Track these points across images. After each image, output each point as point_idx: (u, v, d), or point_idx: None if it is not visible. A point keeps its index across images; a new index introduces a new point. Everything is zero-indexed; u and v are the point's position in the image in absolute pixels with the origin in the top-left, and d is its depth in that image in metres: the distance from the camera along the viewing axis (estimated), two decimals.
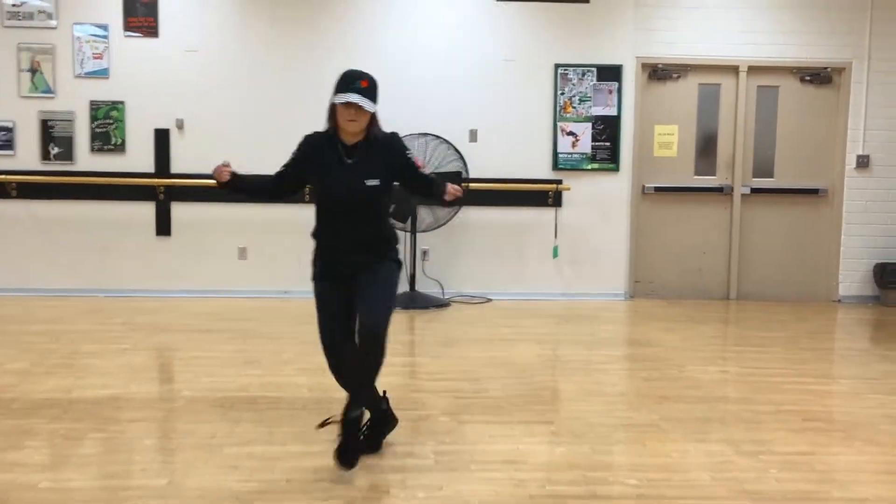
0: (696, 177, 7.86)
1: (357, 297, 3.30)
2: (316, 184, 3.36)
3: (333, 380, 4.67)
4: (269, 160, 7.36)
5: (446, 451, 3.55)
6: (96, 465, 3.35)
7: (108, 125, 7.36)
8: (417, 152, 7.09)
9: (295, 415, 4.04)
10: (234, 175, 3.43)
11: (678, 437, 3.79)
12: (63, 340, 5.59)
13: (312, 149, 3.37)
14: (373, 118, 3.28)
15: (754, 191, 7.83)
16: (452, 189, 3.41)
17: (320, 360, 5.11)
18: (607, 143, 7.62)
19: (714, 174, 7.86)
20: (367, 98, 3.19)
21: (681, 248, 7.90)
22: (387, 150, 3.34)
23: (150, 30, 7.33)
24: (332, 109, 3.29)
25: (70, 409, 4.06)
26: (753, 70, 7.73)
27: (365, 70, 3.31)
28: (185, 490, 3.10)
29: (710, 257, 7.92)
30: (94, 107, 7.32)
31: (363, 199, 3.27)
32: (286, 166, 3.45)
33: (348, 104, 3.18)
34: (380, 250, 3.38)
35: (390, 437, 3.65)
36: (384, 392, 3.60)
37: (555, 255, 7.64)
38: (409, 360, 5.45)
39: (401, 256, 3.52)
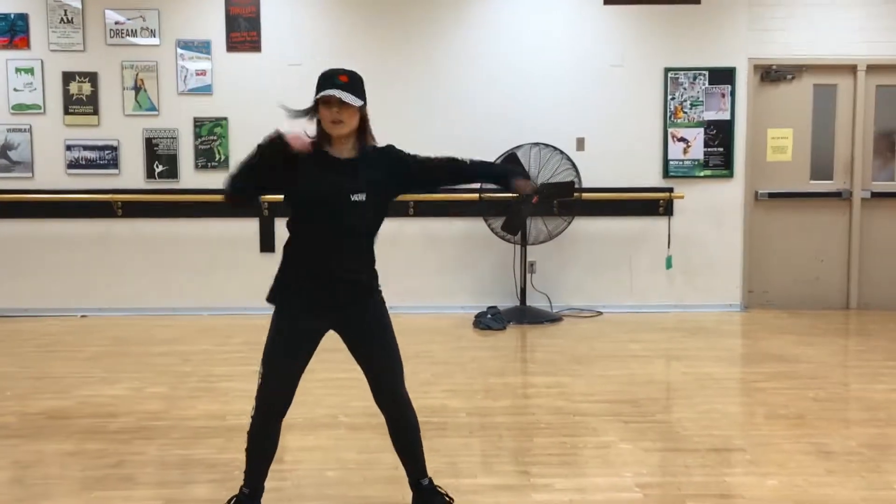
0: (811, 182, 7.55)
1: (363, 356, 2.92)
2: (294, 197, 2.86)
3: (487, 402, 4.53)
4: None
5: (650, 483, 3.34)
6: (289, 501, 3.20)
7: (211, 141, 7.27)
8: (530, 162, 6.90)
9: (469, 442, 3.86)
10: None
11: (893, 468, 3.53)
12: (191, 362, 5.48)
13: (300, 157, 2.81)
14: (364, 121, 2.84)
15: (875, 195, 7.50)
16: (522, 184, 2.99)
17: (460, 381, 5.00)
18: (720, 149, 7.35)
19: (831, 178, 7.55)
20: (350, 92, 2.76)
21: (796, 256, 7.59)
22: (381, 160, 2.88)
23: (253, 44, 7.24)
24: (316, 115, 2.83)
25: (233, 439, 3.91)
26: (873, 69, 7.40)
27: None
28: None
29: (827, 265, 7.59)
30: (198, 123, 7.24)
31: (348, 213, 2.81)
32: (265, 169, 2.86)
33: (328, 101, 2.74)
34: (366, 280, 2.91)
35: (582, 467, 3.45)
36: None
37: (668, 265, 7.38)
38: (552, 380, 5.21)
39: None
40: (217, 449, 3.78)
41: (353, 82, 2.81)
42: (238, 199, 2.89)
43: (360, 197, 2.80)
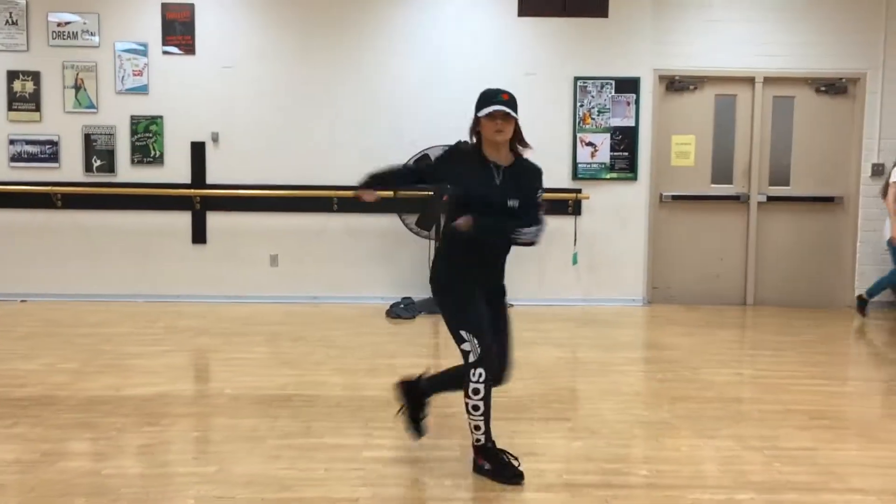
0: (713, 185, 8.08)
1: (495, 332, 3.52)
2: (463, 192, 3.45)
3: (364, 379, 5.00)
4: (300, 172, 7.74)
5: (470, 445, 3.81)
6: (151, 455, 3.67)
7: (147, 139, 7.72)
8: None
9: (330, 411, 4.34)
10: (371, 184, 3.61)
11: (689, 434, 4.04)
12: (110, 343, 5.93)
13: (461, 156, 3.54)
14: (517, 132, 3.46)
15: (770, 199, 8.04)
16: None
17: (350, 362, 5.48)
18: (625, 153, 7.87)
19: (731, 183, 8.08)
20: (510, 108, 3.39)
21: (698, 254, 8.12)
22: (529, 177, 3.49)
23: (188, 47, 7.69)
24: (475, 128, 3.47)
25: (122, 405, 4.38)
26: (769, 81, 7.94)
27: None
28: (234, 476, 3.41)
29: (727, 263, 8.13)
30: (134, 121, 7.69)
31: (505, 213, 3.41)
32: (425, 166, 3.65)
33: (492, 115, 3.37)
34: (503, 272, 3.62)
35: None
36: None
37: (574, 262, 7.88)
38: (434, 361, 5.71)
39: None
40: (103, 414, 4.23)
41: (512, 99, 3.43)
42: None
43: (514, 203, 3.42)
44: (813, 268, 8.14)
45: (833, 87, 8.00)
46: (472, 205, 3.40)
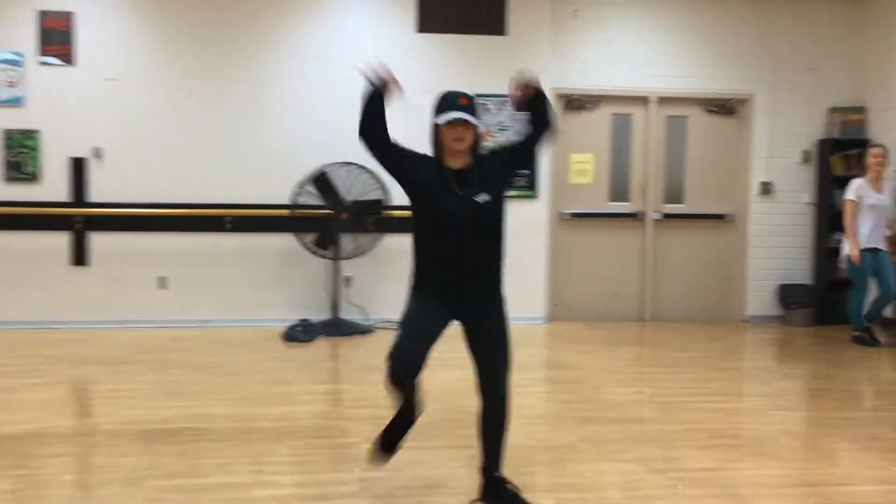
0: (610, 203, 8.16)
1: (479, 350, 3.41)
2: (419, 204, 3.23)
3: (257, 409, 4.75)
4: (190, 190, 7.40)
5: (370, 477, 3.64)
6: (18, 503, 3.32)
7: (21, 154, 7.22)
8: (341, 181, 7.18)
9: (219, 446, 4.06)
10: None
11: (594, 458, 3.97)
12: None
13: (421, 161, 3.25)
14: (477, 136, 3.24)
15: (666, 216, 8.17)
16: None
17: (243, 390, 5.19)
18: (526, 171, 7.84)
19: (628, 200, 8.18)
20: (470, 114, 3.17)
21: (598, 271, 8.18)
22: (492, 161, 3.29)
23: (67, 58, 7.25)
24: (436, 134, 3.22)
25: None
26: (663, 101, 8.10)
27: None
28: None
29: (625, 280, 8.21)
30: (8, 136, 7.18)
31: (475, 217, 3.19)
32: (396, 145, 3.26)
33: (452, 123, 3.14)
34: (493, 282, 3.38)
35: (315, 465, 3.71)
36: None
37: None
38: (332, 387, 5.51)
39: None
40: None
41: (472, 104, 3.23)
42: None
43: (486, 197, 3.19)
44: (707, 284, 8.31)
45: (723, 108, 8.21)
46: (434, 216, 3.18)
